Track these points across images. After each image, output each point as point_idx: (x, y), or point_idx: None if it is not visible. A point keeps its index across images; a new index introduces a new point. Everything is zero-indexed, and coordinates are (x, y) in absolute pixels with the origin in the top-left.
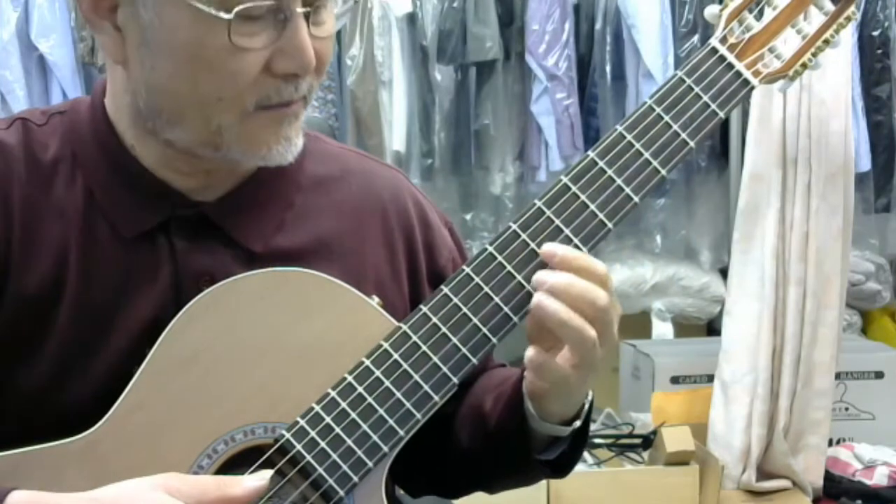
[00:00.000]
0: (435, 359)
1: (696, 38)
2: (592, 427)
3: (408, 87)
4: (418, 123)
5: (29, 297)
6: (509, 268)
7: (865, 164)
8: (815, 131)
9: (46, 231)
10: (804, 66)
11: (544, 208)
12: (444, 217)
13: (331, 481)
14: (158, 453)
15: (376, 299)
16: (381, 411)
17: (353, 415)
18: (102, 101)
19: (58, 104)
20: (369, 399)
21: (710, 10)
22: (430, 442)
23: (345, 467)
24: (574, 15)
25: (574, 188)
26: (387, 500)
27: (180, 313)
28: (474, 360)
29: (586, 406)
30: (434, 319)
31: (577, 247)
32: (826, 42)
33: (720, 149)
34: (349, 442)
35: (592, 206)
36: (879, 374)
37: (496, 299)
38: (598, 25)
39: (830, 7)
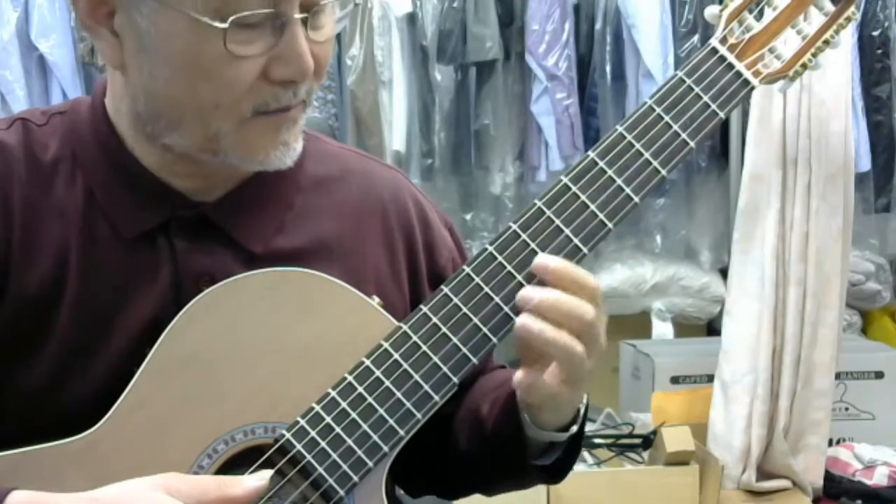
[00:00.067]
0: (435, 359)
1: (696, 38)
2: (592, 427)
3: (408, 87)
4: (418, 123)
5: (29, 298)
6: (509, 268)
7: (865, 165)
8: (815, 131)
9: (47, 231)
10: (804, 66)
11: (544, 208)
12: (444, 217)
13: (331, 481)
14: (158, 453)
15: (376, 299)
16: (382, 411)
17: (354, 415)
18: (103, 102)
19: (58, 104)
20: (369, 399)
21: (710, 11)
22: (430, 442)
23: (345, 467)
24: (574, 15)
25: (574, 188)
26: (387, 500)
27: (180, 313)
28: (474, 360)
29: (581, 411)
30: (434, 319)
31: (577, 247)
32: (826, 42)
33: (720, 149)
34: (349, 442)
35: (592, 207)
36: (879, 374)
37: (496, 299)
38: (598, 25)
39: (830, 7)
